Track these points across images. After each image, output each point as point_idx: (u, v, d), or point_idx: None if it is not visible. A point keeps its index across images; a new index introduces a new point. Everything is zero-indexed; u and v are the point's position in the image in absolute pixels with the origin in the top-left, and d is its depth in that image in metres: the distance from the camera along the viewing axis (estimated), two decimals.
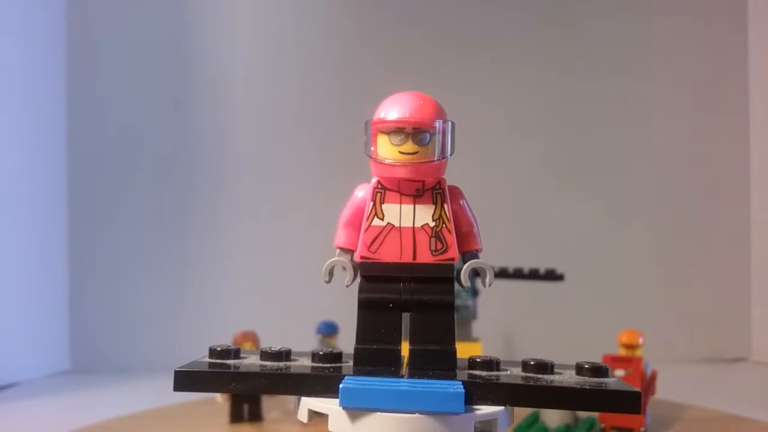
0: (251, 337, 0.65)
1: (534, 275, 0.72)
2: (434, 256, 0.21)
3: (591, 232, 1.04)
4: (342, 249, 0.22)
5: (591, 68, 1.06)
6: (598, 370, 0.22)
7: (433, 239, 0.21)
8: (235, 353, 0.23)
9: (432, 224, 0.22)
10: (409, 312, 0.22)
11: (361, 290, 0.21)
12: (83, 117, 1.01)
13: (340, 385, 0.19)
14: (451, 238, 0.21)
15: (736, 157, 1.07)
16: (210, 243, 1.01)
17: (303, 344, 0.75)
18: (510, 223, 1.02)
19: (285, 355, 0.22)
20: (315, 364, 0.21)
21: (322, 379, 0.20)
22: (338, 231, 0.22)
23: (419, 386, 0.20)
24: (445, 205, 0.22)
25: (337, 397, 0.19)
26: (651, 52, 1.06)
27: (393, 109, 0.22)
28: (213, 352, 0.23)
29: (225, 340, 0.74)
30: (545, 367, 0.21)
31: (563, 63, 1.05)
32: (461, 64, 1.04)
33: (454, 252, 0.21)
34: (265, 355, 0.22)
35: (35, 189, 0.95)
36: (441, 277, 0.21)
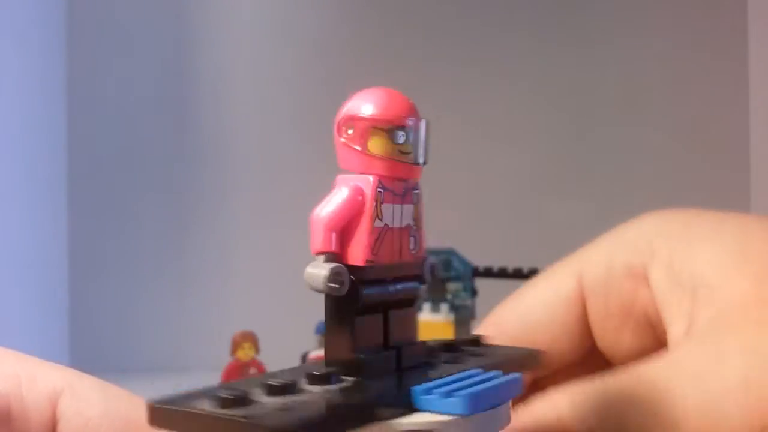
0: (250, 337, 0.65)
1: (534, 275, 0.72)
2: (412, 254, 0.22)
3: (591, 231, 1.03)
4: (330, 253, 0.20)
5: (591, 67, 1.06)
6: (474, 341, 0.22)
7: (411, 238, 0.22)
8: (243, 399, 0.17)
9: (412, 224, 0.22)
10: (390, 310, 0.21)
11: (359, 295, 0.20)
12: (83, 117, 1.01)
13: (462, 393, 0.18)
14: (423, 236, 0.21)
15: (737, 157, 1.07)
16: (210, 243, 1.01)
17: (303, 344, 0.75)
18: (510, 222, 1.02)
19: (290, 387, 0.18)
20: (330, 387, 0.19)
21: (390, 399, 0.18)
22: (325, 233, 0.20)
23: (484, 379, 0.19)
24: (419, 205, 0.22)
25: (415, 411, 0.18)
26: (651, 52, 1.06)
27: (392, 106, 0.21)
28: (219, 400, 0.17)
29: (225, 340, 0.74)
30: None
31: (562, 62, 1.05)
32: (461, 63, 1.04)
33: (423, 249, 0.22)
34: (274, 389, 0.18)
35: (35, 189, 0.95)
36: (414, 274, 0.22)
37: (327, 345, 0.21)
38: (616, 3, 1.06)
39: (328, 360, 0.20)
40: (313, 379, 0.19)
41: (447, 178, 1.00)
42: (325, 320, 0.20)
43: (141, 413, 0.20)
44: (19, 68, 0.92)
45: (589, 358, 0.28)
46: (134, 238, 1.00)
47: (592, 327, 0.28)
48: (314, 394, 0.18)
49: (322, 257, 0.20)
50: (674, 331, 0.24)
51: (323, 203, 0.21)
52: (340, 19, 1.05)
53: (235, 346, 0.67)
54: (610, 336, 0.27)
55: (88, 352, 0.99)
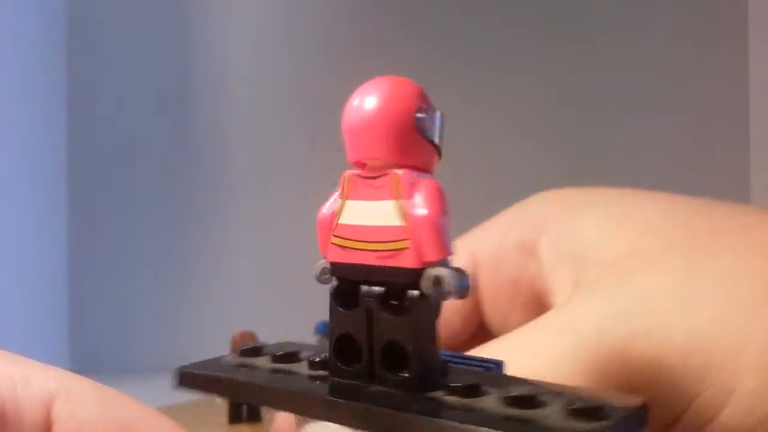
0: (250, 337, 0.65)
1: None
2: None
3: None
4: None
5: (591, 67, 1.06)
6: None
7: None
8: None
9: None
10: None
11: None
12: (83, 116, 1.01)
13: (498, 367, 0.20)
14: None
15: (736, 157, 1.07)
16: (210, 242, 1.01)
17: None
18: None
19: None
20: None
21: None
22: (450, 235, 0.18)
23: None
24: None
25: None
26: (652, 51, 1.06)
27: None
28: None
29: (225, 340, 0.74)
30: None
31: (563, 61, 1.05)
32: (461, 62, 1.04)
33: None
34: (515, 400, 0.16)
35: (35, 188, 0.95)
36: None
37: (422, 349, 0.18)
38: (618, 2, 1.06)
39: (421, 359, 0.18)
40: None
41: (447, 179, 1.00)
42: (424, 326, 0.18)
43: (137, 416, 0.20)
44: (19, 68, 0.92)
45: (478, 336, 0.27)
46: (134, 238, 1.00)
47: (483, 304, 0.27)
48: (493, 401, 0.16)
49: (445, 261, 0.18)
50: (557, 301, 0.24)
51: (434, 204, 0.18)
52: (340, 17, 1.05)
53: (235, 346, 0.67)
54: (499, 313, 0.27)
55: (87, 352, 0.99)
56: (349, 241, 0.18)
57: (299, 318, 0.77)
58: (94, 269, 1.00)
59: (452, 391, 0.17)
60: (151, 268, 1.00)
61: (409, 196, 0.18)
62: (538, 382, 0.17)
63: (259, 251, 1.02)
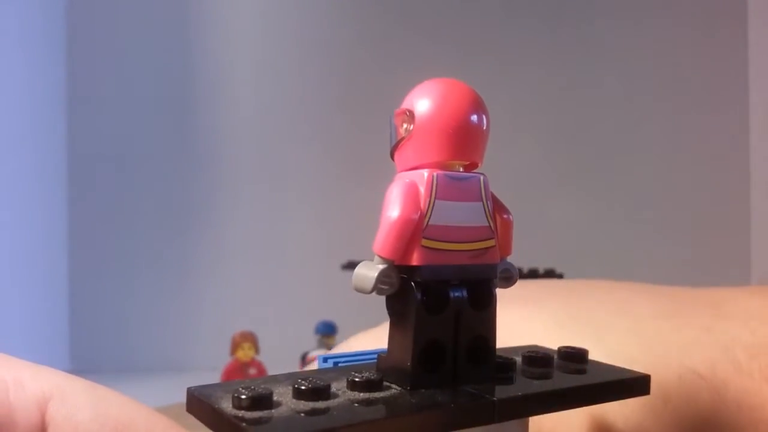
0: (250, 337, 0.65)
1: (533, 275, 0.72)
2: None
3: (591, 230, 1.04)
4: None
5: (592, 67, 1.06)
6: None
7: None
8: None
9: None
10: None
11: None
12: (83, 117, 1.01)
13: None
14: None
15: (736, 157, 1.07)
16: (210, 243, 1.01)
17: (302, 344, 0.75)
18: None
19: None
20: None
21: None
22: None
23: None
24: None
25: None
26: (652, 51, 1.06)
27: None
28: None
29: (225, 340, 0.74)
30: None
31: (564, 62, 1.05)
32: (461, 62, 1.04)
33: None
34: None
35: (35, 189, 0.95)
36: None
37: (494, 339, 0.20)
38: (618, 8, 1.06)
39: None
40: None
41: None
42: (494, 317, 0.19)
43: (133, 415, 0.19)
44: (20, 69, 0.92)
45: None
46: (134, 239, 1.00)
47: None
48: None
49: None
50: None
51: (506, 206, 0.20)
52: (339, 20, 1.05)
53: (235, 346, 0.67)
54: None
55: (88, 352, 0.99)
56: (443, 243, 0.18)
57: (299, 318, 0.77)
58: (94, 270, 1.00)
59: (505, 370, 0.19)
60: (150, 269, 1.00)
61: (489, 197, 0.19)
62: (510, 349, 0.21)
63: (259, 252, 1.02)
